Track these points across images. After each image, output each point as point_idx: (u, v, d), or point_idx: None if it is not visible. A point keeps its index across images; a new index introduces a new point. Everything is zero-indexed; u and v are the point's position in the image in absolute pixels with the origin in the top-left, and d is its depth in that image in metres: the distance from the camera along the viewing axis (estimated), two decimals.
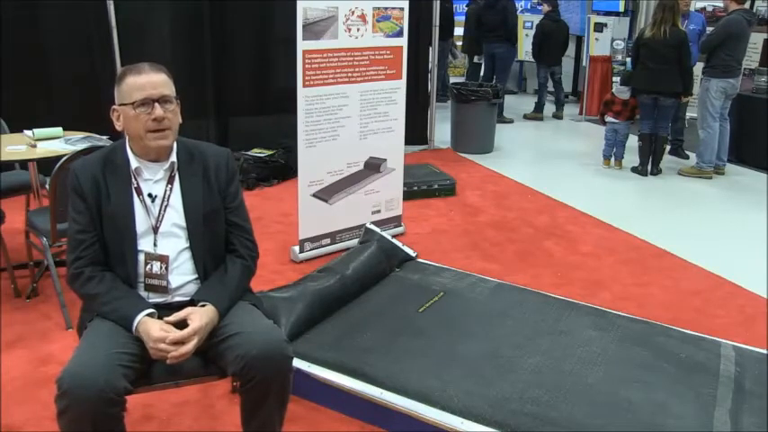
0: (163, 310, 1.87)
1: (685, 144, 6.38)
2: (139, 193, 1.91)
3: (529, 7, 10.42)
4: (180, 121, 1.95)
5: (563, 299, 3.13)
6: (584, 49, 8.59)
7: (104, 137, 3.44)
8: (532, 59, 8.53)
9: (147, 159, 1.92)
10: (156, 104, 1.84)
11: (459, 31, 9.19)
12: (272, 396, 1.84)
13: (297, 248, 3.77)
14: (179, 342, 1.77)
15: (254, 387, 1.79)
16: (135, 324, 1.79)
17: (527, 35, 9.38)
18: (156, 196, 1.92)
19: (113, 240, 1.89)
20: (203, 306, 1.86)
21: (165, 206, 1.92)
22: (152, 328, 1.77)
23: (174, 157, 1.95)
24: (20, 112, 4.24)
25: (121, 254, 1.89)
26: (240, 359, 1.76)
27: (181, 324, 1.81)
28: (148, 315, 1.82)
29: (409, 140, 4.83)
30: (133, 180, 1.91)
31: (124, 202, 1.89)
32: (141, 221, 1.90)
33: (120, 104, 1.87)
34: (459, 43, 9.51)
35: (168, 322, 1.80)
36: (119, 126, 1.90)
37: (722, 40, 5.46)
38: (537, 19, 8.71)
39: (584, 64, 8.74)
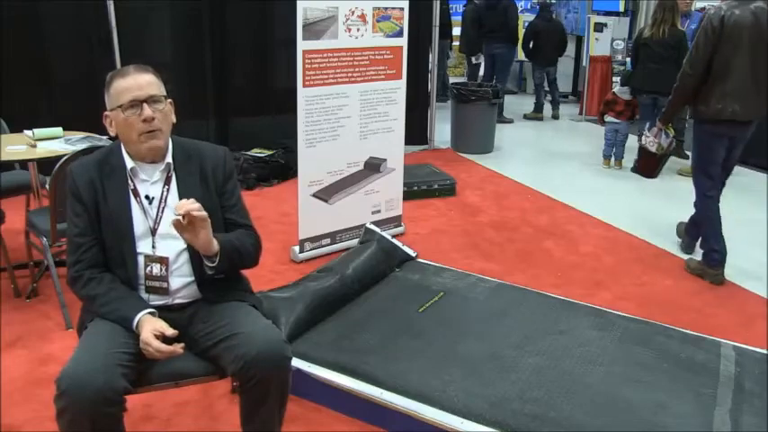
0: (163, 312, 1.87)
1: (685, 144, 6.38)
2: (136, 194, 1.90)
3: (529, 7, 10.43)
4: (174, 120, 1.95)
5: (563, 299, 3.13)
6: (584, 49, 8.59)
7: (104, 137, 3.44)
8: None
9: (142, 162, 1.92)
10: (145, 105, 1.83)
11: (457, 31, 9.20)
12: (271, 396, 1.84)
13: (297, 248, 3.77)
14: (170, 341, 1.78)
15: (254, 387, 1.79)
16: (135, 323, 1.80)
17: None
18: (153, 198, 1.92)
19: (112, 243, 1.89)
20: None
21: (163, 207, 1.91)
22: (143, 329, 1.78)
23: (169, 158, 1.94)
24: (20, 112, 4.25)
25: (121, 256, 1.89)
26: (239, 359, 1.76)
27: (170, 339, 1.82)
28: (149, 314, 1.82)
29: (409, 140, 4.83)
30: (130, 182, 1.90)
31: (121, 204, 1.89)
32: (139, 223, 1.90)
33: (111, 110, 1.87)
34: (456, 44, 9.51)
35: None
36: (112, 131, 1.90)
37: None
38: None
39: (584, 64, 8.74)
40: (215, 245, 1.85)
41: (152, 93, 1.85)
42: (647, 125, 4.00)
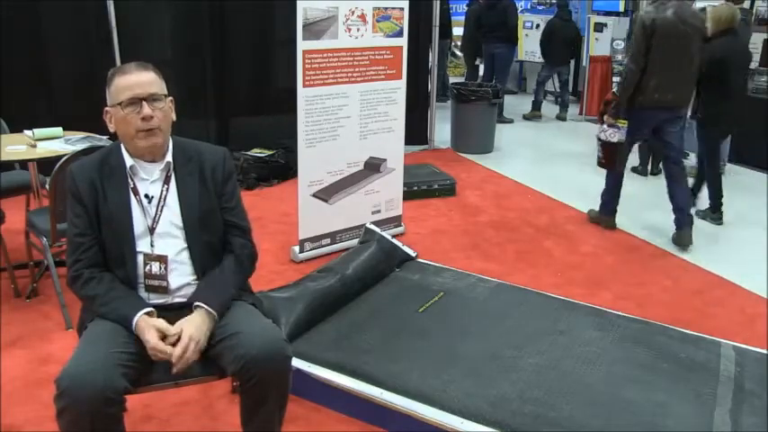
0: (163, 311, 1.87)
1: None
2: (136, 193, 1.90)
3: (529, 7, 10.43)
4: (173, 118, 1.95)
5: (563, 299, 3.13)
6: (584, 49, 8.60)
7: (104, 137, 3.44)
8: (533, 59, 8.52)
9: (142, 160, 1.92)
10: (144, 103, 1.83)
11: (457, 31, 9.20)
12: (271, 396, 1.84)
13: (297, 248, 3.77)
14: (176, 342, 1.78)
15: (254, 387, 1.79)
16: (134, 323, 1.80)
17: (527, 35, 9.38)
18: (152, 197, 1.91)
19: (112, 242, 1.89)
20: (197, 307, 1.85)
21: (162, 206, 1.91)
22: (148, 333, 1.77)
23: (169, 157, 1.94)
24: (20, 112, 4.24)
25: (120, 255, 1.88)
26: (239, 359, 1.76)
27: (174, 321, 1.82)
28: (147, 314, 1.82)
29: (409, 140, 4.83)
30: (129, 181, 1.90)
31: (121, 203, 1.88)
32: (139, 222, 1.89)
33: (111, 106, 1.87)
34: (459, 43, 9.52)
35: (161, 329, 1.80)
36: (111, 128, 1.90)
37: None
38: (537, 19, 8.70)
39: (584, 64, 8.75)
40: (210, 317, 1.85)
41: (152, 91, 1.85)
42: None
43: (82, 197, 1.87)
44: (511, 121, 8.07)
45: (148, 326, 1.78)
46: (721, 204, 4.68)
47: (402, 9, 3.83)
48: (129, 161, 1.91)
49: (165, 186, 1.93)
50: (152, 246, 1.90)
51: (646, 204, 5.13)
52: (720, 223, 4.66)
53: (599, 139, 4.32)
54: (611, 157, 4.32)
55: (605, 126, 4.24)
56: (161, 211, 1.91)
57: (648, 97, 4.01)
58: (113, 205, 1.88)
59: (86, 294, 1.88)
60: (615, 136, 4.19)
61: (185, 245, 1.93)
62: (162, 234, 1.91)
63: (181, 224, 1.93)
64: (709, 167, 4.74)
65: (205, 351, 1.87)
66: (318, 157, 3.69)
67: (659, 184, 5.60)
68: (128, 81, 1.83)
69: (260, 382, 1.78)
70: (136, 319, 1.80)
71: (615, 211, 4.49)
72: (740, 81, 4.64)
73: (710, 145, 4.69)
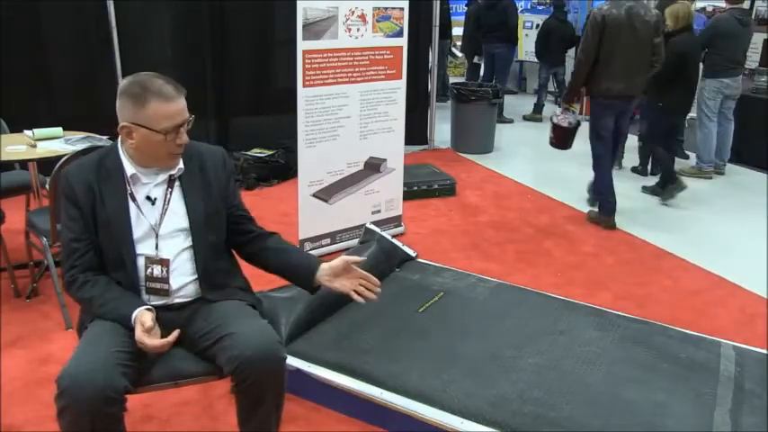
0: (162, 312, 1.87)
1: (685, 144, 6.38)
2: (134, 199, 1.88)
3: (529, 7, 10.43)
4: None
5: (563, 299, 3.13)
6: None
7: (104, 137, 3.44)
8: (533, 59, 8.51)
9: (145, 168, 1.90)
10: (182, 129, 1.83)
11: (457, 31, 9.20)
12: (267, 396, 1.84)
13: None
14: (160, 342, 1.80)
15: (249, 387, 1.79)
16: (133, 321, 1.80)
17: (527, 35, 9.37)
18: (155, 199, 1.90)
19: (109, 246, 1.87)
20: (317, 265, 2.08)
21: (166, 209, 1.90)
22: (137, 328, 1.78)
23: (181, 164, 1.93)
24: (20, 112, 4.24)
25: (120, 259, 1.87)
26: (233, 360, 1.76)
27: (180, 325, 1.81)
28: (146, 310, 1.81)
29: (409, 140, 4.83)
30: (128, 187, 1.88)
31: (119, 207, 1.86)
32: (138, 226, 1.88)
33: (139, 125, 1.80)
34: (459, 43, 9.52)
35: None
36: (131, 143, 1.84)
37: (707, 39, 5.50)
38: (537, 19, 8.68)
39: None
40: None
41: (188, 117, 1.85)
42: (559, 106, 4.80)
43: (78, 200, 1.85)
44: (511, 121, 8.07)
45: (137, 324, 1.78)
46: (675, 179, 4.97)
47: (402, 9, 3.84)
48: (129, 169, 1.88)
49: (170, 190, 1.92)
50: (157, 248, 1.89)
51: (645, 204, 5.14)
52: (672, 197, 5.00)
53: (551, 122, 4.69)
54: (560, 139, 4.68)
55: (560, 110, 4.62)
56: (165, 213, 1.90)
57: (602, 88, 4.26)
58: (111, 209, 1.86)
59: (82, 298, 1.88)
60: (565, 121, 4.54)
61: (186, 245, 1.92)
62: (165, 236, 1.90)
63: (186, 225, 1.92)
64: (664, 149, 5.12)
65: (202, 351, 1.88)
66: (318, 157, 3.69)
67: None
68: (171, 110, 1.80)
69: (255, 383, 1.78)
70: (134, 316, 1.80)
71: (614, 210, 4.50)
72: (696, 72, 5.15)
73: (667, 129, 5.11)
